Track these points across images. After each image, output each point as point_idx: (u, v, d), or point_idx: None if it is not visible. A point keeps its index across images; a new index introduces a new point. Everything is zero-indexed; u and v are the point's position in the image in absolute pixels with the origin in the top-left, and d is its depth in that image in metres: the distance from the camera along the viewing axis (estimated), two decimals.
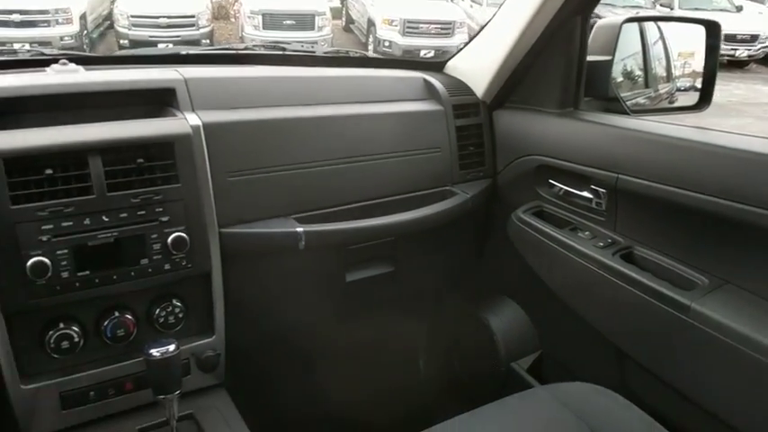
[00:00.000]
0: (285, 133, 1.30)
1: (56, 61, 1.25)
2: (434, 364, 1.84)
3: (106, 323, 1.13)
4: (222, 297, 1.24)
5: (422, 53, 9.48)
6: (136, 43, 9.01)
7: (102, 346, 1.15)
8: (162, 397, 1.08)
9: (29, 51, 1.32)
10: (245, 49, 1.53)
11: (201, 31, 9.26)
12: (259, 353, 1.42)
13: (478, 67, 1.57)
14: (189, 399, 1.20)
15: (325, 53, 1.59)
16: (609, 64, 1.47)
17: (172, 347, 1.06)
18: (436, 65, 1.67)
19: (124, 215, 1.09)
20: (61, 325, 1.10)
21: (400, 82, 1.55)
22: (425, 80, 1.55)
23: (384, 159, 1.42)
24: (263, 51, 1.54)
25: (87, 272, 1.08)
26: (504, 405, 1.15)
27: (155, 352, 1.05)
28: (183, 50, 1.44)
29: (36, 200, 1.04)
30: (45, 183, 1.05)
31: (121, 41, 9.31)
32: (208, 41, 9.32)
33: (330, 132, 1.36)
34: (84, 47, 9.64)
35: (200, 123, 1.18)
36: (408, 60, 1.71)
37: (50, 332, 1.09)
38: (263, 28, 9.23)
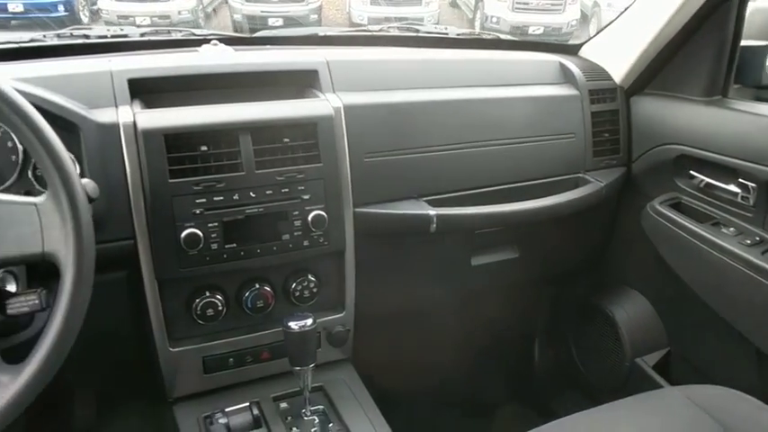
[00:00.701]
0: (420, 116, 1.31)
1: (207, 41, 1.31)
2: (551, 353, 1.81)
3: (247, 294, 1.19)
4: (354, 275, 1.27)
5: (530, 30, 9.16)
6: (248, 18, 9.30)
7: (242, 316, 1.21)
8: (298, 368, 1.12)
9: (180, 32, 1.38)
10: (380, 30, 1.54)
11: (310, 6, 9.40)
12: (383, 329, 1.44)
13: (618, 50, 1.50)
14: (318, 371, 1.25)
15: (458, 35, 1.57)
16: (765, 50, 1.37)
17: (309, 321, 1.10)
18: (571, 48, 1.61)
19: (269, 192, 1.14)
20: (207, 293, 1.16)
21: (535, 65, 1.50)
22: (561, 64, 1.50)
23: (516, 144, 1.39)
24: (396, 33, 1.54)
25: (234, 245, 1.13)
26: (636, 403, 1.11)
27: (293, 324, 1.09)
28: (321, 32, 1.47)
29: (190, 175, 1.10)
30: (198, 159, 1.11)
31: (234, 16, 9.62)
32: (316, 17, 9.45)
33: (464, 116, 1.35)
34: (200, 20, 10.07)
35: (341, 105, 1.20)
36: (542, 43, 1.65)
37: (197, 300, 1.16)
38: (371, 3, 9.24)
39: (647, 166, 1.48)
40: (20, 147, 1.10)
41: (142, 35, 1.36)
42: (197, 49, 1.29)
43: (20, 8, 9.86)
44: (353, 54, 1.38)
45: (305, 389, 1.15)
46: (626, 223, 1.57)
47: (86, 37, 1.32)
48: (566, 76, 1.49)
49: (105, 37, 1.33)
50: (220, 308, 1.17)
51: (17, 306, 0.86)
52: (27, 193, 1.07)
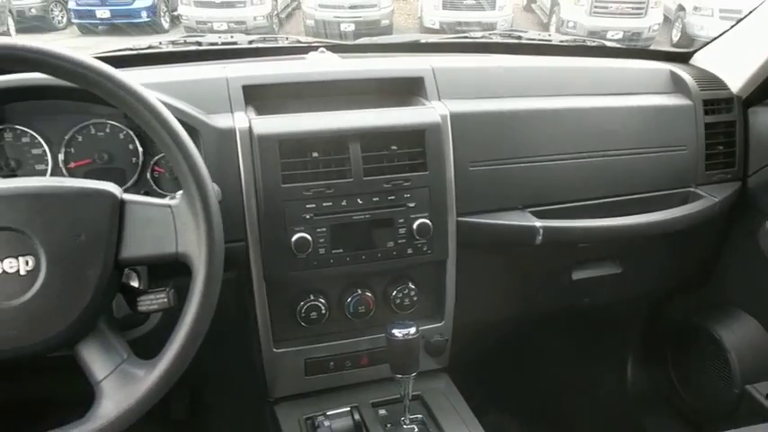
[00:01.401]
0: (524, 125, 1.28)
1: (313, 49, 1.33)
2: (646, 373, 1.74)
3: (349, 299, 1.20)
4: (454, 284, 1.25)
5: (609, 35, 8.88)
6: (320, 22, 9.46)
7: (344, 320, 1.21)
8: (399, 376, 1.12)
9: (287, 39, 1.41)
10: (482, 37, 1.52)
11: (383, 11, 9.47)
12: (479, 340, 1.42)
13: (735, 59, 1.43)
14: (415, 380, 1.24)
15: (561, 41, 1.54)
16: None
17: (413, 330, 1.09)
18: (681, 55, 1.54)
19: (376, 199, 1.14)
20: (311, 297, 1.18)
21: (644, 73, 1.45)
22: (672, 72, 1.44)
23: (624, 156, 1.34)
24: (499, 40, 1.52)
25: (341, 250, 1.14)
26: None
27: (397, 332, 1.09)
28: (423, 39, 1.47)
29: (301, 180, 1.11)
30: (308, 165, 1.12)
31: (307, 21, 9.80)
32: (388, 22, 9.51)
33: (569, 126, 1.31)
34: (274, 26, 10.33)
35: (447, 113, 1.19)
36: (650, 50, 1.60)
37: (301, 302, 1.17)
38: (443, 8, 9.22)
39: (765, 181, 1.40)
40: (140, 149, 1.15)
41: (250, 42, 1.40)
42: (304, 56, 1.31)
43: (107, 14, 10.39)
44: (457, 61, 1.37)
45: (405, 397, 1.14)
46: (739, 240, 1.49)
47: (199, 44, 1.37)
48: (677, 86, 1.43)
49: (216, 44, 1.37)
50: (323, 311, 1.18)
51: (147, 303, 0.89)
52: (146, 194, 1.11)
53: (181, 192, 0.91)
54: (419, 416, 1.19)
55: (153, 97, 0.81)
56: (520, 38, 1.54)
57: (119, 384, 0.81)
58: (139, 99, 0.80)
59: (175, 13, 10.66)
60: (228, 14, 10.09)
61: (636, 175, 1.36)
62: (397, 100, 1.25)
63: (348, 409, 1.18)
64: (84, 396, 0.98)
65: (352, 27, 9.10)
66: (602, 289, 1.44)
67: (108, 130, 1.14)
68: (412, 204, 1.16)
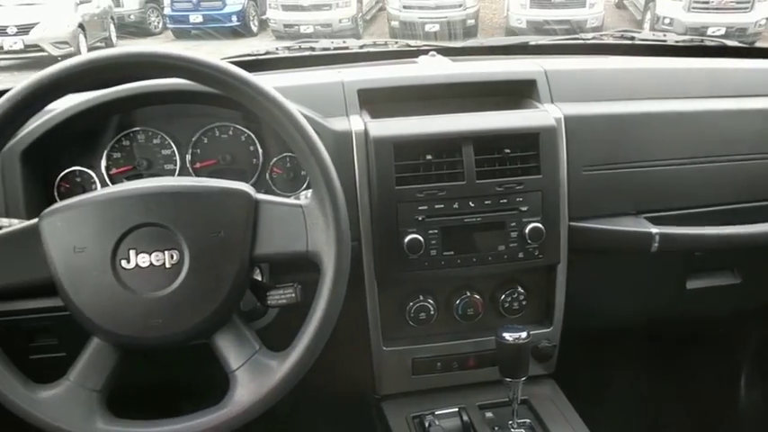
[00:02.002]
0: (640, 128, 1.25)
1: (423, 52, 1.34)
2: (762, 395, 1.64)
3: (458, 301, 1.21)
4: (564, 290, 1.24)
5: (710, 31, 8.41)
6: (405, 24, 9.51)
7: (451, 322, 1.23)
8: (509, 380, 1.12)
9: (396, 43, 1.44)
10: (594, 38, 1.49)
11: (468, 11, 9.43)
12: (587, 347, 1.40)
13: None
14: (522, 385, 1.24)
15: (676, 42, 1.48)
16: None
17: (524, 334, 1.09)
18: None
19: (488, 202, 1.14)
20: (420, 297, 1.20)
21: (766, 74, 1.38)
22: None
23: (745, 161, 1.28)
24: (611, 41, 1.49)
25: (452, 252, 1.15)
26: None
27: (507, 336, 1.09)
28: (532, 40, 1.45)
29: (414, 182, 1.13)
30: (421, 167, 1.14)
31: (392, 23, 9.90)
32: (473, 22, 9.45)
33: (686, 129, 1.27)
34: (359, 28, 10.48)
35: (561, 116, 1.18)
36: None
37: (411, 303, 1.20)
38: (530, 6, 9.06)
39: None
40: (260, 150, 1.20)
41: (361, 47, 1.43)
42: (415, 60, 1.33)
43: (199, 19, 10.89)
44: (569, 63, 1.35)
45: (514, 401, 1.14)
46: None
47: (312, 49, 1.42)
48: None
49: (329, 49, 1.42)
50: (432, 312, 1.20)
51: (276, 298, 0.94)
52: (266, 194, 1.17)
53: (310, 192, 0.95)
54: (527, 420, 1.18)
55: (289, 103, 0.85)
56: (633, 38, 1.49)
57: (252, 374, 0.85)
58: (276, 104, 0.85)
59: (264, 17, 11.04)
60: (315, 17, 10.33)
61: (758, 181, 1.29)
62: (509, 103, 1.25)
63: (456, 409, 1.19)
64: (210, 384, 1.04)
65: (436, 28, 9.11)
66: (718, 300, 1.38)
67: (231, 133, 1.21)
68: (524, 208, 1.16)
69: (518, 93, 1.26)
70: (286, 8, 10.35)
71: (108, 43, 11.20)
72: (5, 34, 8.88)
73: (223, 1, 10.91)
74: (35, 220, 0.84)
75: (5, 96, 0.79)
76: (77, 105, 1.09)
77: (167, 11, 11.23)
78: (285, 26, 10.33)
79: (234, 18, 10.96)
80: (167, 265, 0.83)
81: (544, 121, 1.17)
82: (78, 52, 9.37)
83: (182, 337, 0.85)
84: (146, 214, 0.83)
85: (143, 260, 0.82)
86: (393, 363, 1.23)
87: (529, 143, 1.16)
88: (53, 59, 8.95)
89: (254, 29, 11.32)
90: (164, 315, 0.83)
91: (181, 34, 10.99)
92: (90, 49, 9.95)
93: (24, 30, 8.95)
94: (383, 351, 1.22)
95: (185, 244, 0.83)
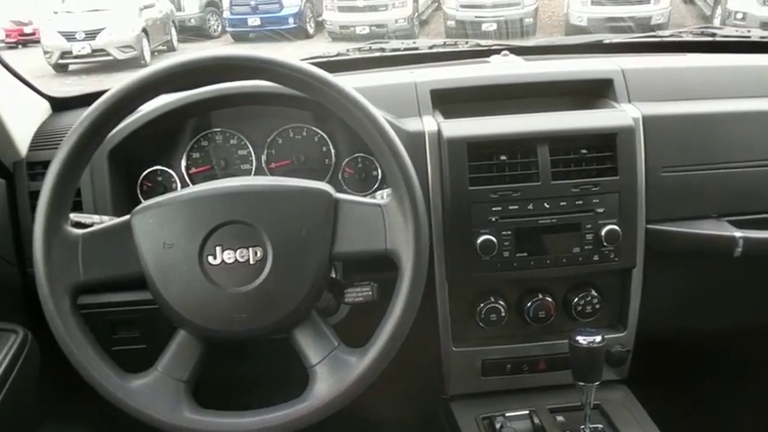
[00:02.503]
0: (722, 128, 1.20)
1: (494, 52, 1.34)
2: None
3: (529, 303, 1.19)
4: (639, 294, 1.21)
5: None
6: (461, 23, 9.44)
7: (522, 324, 1.22)
8: (582, 384, 1.10)
9: (467, 43, 1.43)
10: (671, 36, 1.45)
11: (526, 9, 9.27)
12: (662, 353, 1.36)
13: None
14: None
15: (761, 38, 1.42)
16: None
17: (598, 338, 1.07)
18: None
19: (563, 203, 1.13)
20: (491, 299, 1.19)
21: None
22: None
23: None
24: (690, 38, 1.44)
25: (525, 253, 1.14)
26: None
27: (581, 339, 1.07)
28: (607, 39, 1.42)
29: (487, 183, 1.13)
30: (495, 168, 1.13)
31: (448, 22, 9.83)
32: (531, 20, 9.30)
33: None
34: (415, 28, 10.47)
35: (639, 115, 1.16)
36: None
37: (481, 304, 1.19)
38: (592, 4, 8.83)
39: None
40: (332, 151, 1.22)
41: (431, 47, 1.43)
42: (487, 60, 1.32)
43: (257, 22, 11.09)
44: (646, 62, 1.31)
45: (587, 405, 1.12)
46: None
47: (382, 50, 1.43)
48: None
49: (399, 50, 1.42)
50: (503, 314, 1.19)
51: (353, 295, 0.95)
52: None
53: (386, 192, 0.96)
54: (599, 426, 1.16)
55: (369, 104, 0.86)
56: (714, 35, 1.44)
57: (332, 369, 0.86)
58: (358, 105, 0.86)
59: (320, 19, 11.15)
60: (371, 18, 10.37)
61: None
62: (583, 102, 1.23)
63: (527, 412, 1.18)
64: (283, 378, 1.06)
65: (493, 27, 9.00)
66: None
67: (304, 134, 1.23)
68: (600, 210, 1.13)
69: (594, 92, 1.24)
70: (342, 9, 10.43)
71: (170, 47, 11.57)
72: (74, 39, 9.26)
73: (280, 3, 11.07)
74: (127, 216, 0.87)
75: (106, 96, 0.82)
76: (162, 107, 1.13)
77: (226, 14, 11.48)
78: (341, 27, 10.40)
79: (290, 20, 11.10)
80: (251, 262, 0.85)
81: (622, 122, 1.14)
82: (142, 56, 9.73)
83: (264, 331, 0.88)
84: (232, 212, 0.85)
85: (228, 256, 0.84)
86: (462, 363, 1.23)
87: (606, 144, 1.13)
88: (118, 63, 9.31)
89: (311, 30, 11.45)
90: (248, 310, 0.85)
91: (239, 37, 11.22)
92: (153, 52, 10.31)
93: (92, 35, 9.31)
94: (453, 351, 1.22)
95: (269, 241, 0.85)
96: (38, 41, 9.36)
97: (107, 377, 0.84)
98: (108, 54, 9.41)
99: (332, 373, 0.86)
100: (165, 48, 11.34)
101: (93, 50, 9.38)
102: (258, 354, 1.22)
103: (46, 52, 9.21)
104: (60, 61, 9.35)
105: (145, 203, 0.88)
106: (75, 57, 9.39)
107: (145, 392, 0.85)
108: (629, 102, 1.19)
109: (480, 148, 1.12)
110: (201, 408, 0.87)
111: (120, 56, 9.45)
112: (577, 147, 1.13)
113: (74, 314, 0.84)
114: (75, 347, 0.83)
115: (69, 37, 9.25)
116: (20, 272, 1.19)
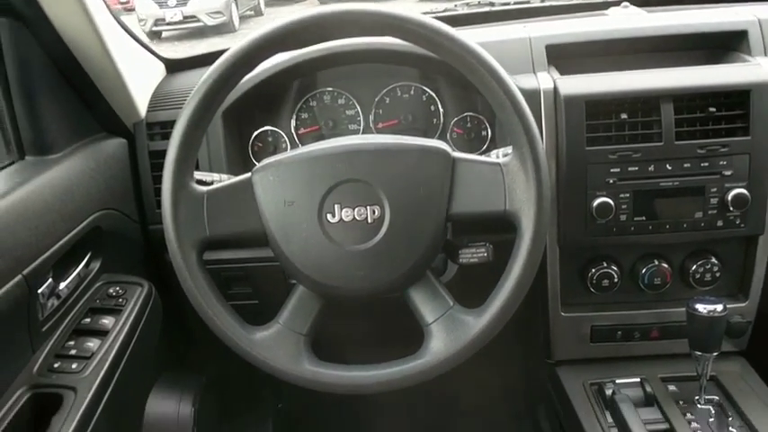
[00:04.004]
0: None
1: (614, 4, 1.26)
2: None
3: (644, 270, 1.15)
4: (765, 263, 1.14)
5: None
6: None
7: (635, 291, 1.17)
8: (699, 353, 1.05)
9: None
10: None
11: None
12: None
13: None
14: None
15: None
16: None
17: (720, 307, 1.02)
18: None
19: (687, 165, 1.07)
20: (604, 264, 1.15)
21: None
22: None
23: None
24: None
25: (643, 217, 1.09)
26: None
27: (700, 307, 1.02)
28: None
29: (605, 143, 1.08)
30: (613, 127, 1.08)
31: None
32: None
33: None
34: None
35: None
36: None
37: (593, 269, 1.15)
38: None
39: None
40: (441, 110, 1.20)
41: (543, 0, 1.37)
42: (605, 12, 1.25)
43: None
44: None
45: (703, 376, 1.08)
46: None
47: (492, 4, 1.38)
48: None
49: (509, 4, 1.37)
50: (615, 280, 1.15)
51: (468, 256, 0.94)
52: None
53: (505, 151, 0.93)
54: (715, 398, 1.11)
55: (492, 59, 0.83)
56: None
57: (449, 328, 0.86)
58: (481, 60, 0.83)
59: None
60: None
61: None
62: (711, 57, 1.15)
63: (638, 379, 1.14)
64: (396, 335, 1.07)
65: None
66: None
67: (412, 92, 1.21)
68: (728, 172, 1.07)
69: (724, 45, 1.16)
70: None
71: (257, 11, 11.74)
72: (167, 6, 9.56)
73: None
74: (248, 174, 0.89)
75: (228, 53, 0.83)
76: (272, 67, 1.14)
77: None
78: None
79: None
80: (369, 220, 0.85)
81: (757, 77, 1.06)
82: (231, 21, 9.92)
83: (380, 289, 0.88)
84: (350, 170, 0.85)
85: (347, 214, 0.85)
86: (571, 329, 1.20)
87: (737, 101, 1.06)
88: (208, 30, 9.49)
89: None
90: (365, 268, 0.86)
91: None
92: (241, 17, 10.50)
93: (183, 2, 9.57)
94: (561, 317, 1.20)
95: (386, 200, 0.85)
96: (132, 9, 9.71)
97: (233, 329, 0.87)
98: (198, 20, 9.67)
99: (448, 332, 0.86)
100: (252, 12, 11.52)
101: (185, 17, 9.65)
102: (372, 311, 1.23)
103: (140, 20, 9.54)
104: (154, 28, 9.69)
105: (266, 161, 0.89)
106: (168, 24, 9.69)
107: (267, 344, 0.88)
108: (766, 55, 1.10)
109: (599, 106, 1.07)
110: (321, 360, 0.89)
111: (210, 21, 9.68)
112: (705, 105, 1.06)
113: (201, 269, 0.87)
114: (204, 300, 0.86)
115: (162, 4, 9.55)
116: (142, 228, 1.26)
